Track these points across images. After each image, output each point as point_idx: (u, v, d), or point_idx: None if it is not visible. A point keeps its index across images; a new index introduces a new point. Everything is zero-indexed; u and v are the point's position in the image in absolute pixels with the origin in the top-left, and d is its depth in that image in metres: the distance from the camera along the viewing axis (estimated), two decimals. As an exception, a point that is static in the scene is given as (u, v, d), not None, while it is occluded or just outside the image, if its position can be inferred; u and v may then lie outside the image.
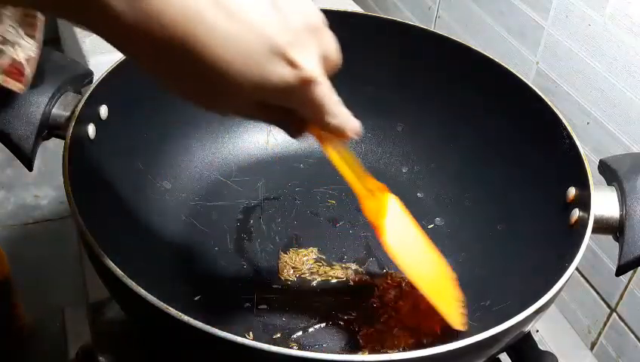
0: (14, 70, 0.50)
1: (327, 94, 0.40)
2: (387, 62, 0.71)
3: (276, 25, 0.35)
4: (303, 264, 0.62)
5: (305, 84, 0.38)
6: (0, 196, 0.74)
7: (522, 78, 0.63)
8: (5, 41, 0.49)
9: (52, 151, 0.67)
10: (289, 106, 0.40)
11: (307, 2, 0.38)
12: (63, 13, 0.34)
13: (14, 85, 0.51)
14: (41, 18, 0.51)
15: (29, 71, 0.52)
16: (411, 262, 0.53)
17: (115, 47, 0.35)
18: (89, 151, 0.55)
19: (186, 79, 0.36)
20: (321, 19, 0.39)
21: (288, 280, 0.61)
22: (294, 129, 0.44)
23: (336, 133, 0.42)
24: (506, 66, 0.64)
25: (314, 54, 0.38)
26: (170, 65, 0.35)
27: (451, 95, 0.69)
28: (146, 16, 0.32)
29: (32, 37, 0.51)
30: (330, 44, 0.39)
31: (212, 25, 0.33)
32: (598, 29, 0.66)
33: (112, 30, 0.34)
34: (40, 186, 0.75)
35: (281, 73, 0.36)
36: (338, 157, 0.48)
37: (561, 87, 0.72)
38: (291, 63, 0.36)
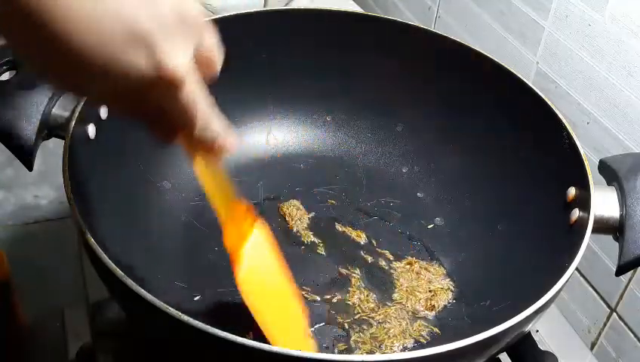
0: None
1: (195, 98, 0.36)
2: (387, 62, 0.71)
3: (143, 10, 0.32)
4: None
5: (167, 81, 0.34)
6: (0, 196, 0.74)
7: (522, 78, 0.63)
8: None
9: (52, 151, 0.67)
10: (155, 105, 0.36)
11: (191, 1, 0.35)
12: None
13: None
14: None
15: None
16: (261, 298, 0.49)
17: None
18: (89, 151, 0.55)
19: (45, 58, 0.33)
20: (200, 18, 0.35)
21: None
22: (161, 133, 0.39)
23: (206, 147, 0.39)
24: (506, 66, 0.64)
25: (182, 50, 0.34)
26: (28, 41, 0.33)
27: (451, 95, 0.69)
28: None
29: None
30: (209, 44, 0.36)
31: (73, 3, 0.31)
32: (598, 29, 0.66)
33: None
34: (40, 186, 0.75)
35: (139, 62, 0.33)
36: (207, 175, 0.43)
37: (561, 87, 0.72)
38: (152, 54, 0.33)
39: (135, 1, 0.32)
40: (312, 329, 0.57)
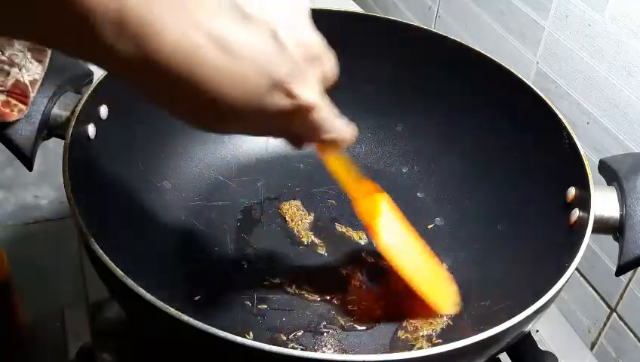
0: (17, 91, 0.52)
1: (324, 116, 0.41)
2: (387, 62, 0.71)
3: (275, 59, 0.36)
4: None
5: (304, 111, 0.39)
6: (0, 196, 0.74)
7: (522, 78, 0.63)
8: (13, 64, 0.51)
9: (52, 151, 0.67)
10: (290, 128, 0.41)
11: (308, 31, 0.38)
12: (65, 48, 0.34)
13: (16, 106, 0.52)
14: None
15: (32, 93, 0.53)
16: (405, 262, 0.54)
17: (117, 80, 0.36)
18: (89, 151, 0.55)
19: (190, 109, 0.37)
20: (321, 46, 0.39)
21: (289, 279, 0.61)
22: (296, 142, 0.45)
23: (334, 145, 0.44)
24: (506, 66, 0.64)
25: (313, 83, 0.39)
26: (172, 98, 0.36)
27: (451, 95, 0.69)
28: (144, 56, 0.32)
29: (39, 61, 0.53)
30: (330, 67, 0.40)
31: (210, 62, 0.33)
32: (598, 28, 0.66)
33: (115, 67, 0.34)
34: (40, 186, 0.75)
35: (280, 104, 0.37)
36: (333, 161, 0.49)
37: (561, 87, 0.72)
38: (290, 95, 0.37)
39: (268, 49, 0.35)
40: (312, 329, 0.57)
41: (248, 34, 0.35)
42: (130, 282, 0.42)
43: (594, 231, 0.50)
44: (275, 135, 0.43)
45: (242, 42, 0.34)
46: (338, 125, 0.43)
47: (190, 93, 0.34)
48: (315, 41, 0.39)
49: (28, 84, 0.52)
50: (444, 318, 0.57)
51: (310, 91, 0.38)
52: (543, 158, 0.60)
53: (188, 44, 0.33)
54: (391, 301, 0.59)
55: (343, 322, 0.57)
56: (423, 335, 0.56)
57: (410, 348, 0.54)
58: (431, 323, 0.56)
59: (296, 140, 0.44)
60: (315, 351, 0.55)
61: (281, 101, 0.37)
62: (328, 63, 0.40)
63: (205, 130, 0.40)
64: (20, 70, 0.52)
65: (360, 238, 0.65)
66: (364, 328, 0.57)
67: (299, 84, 0.37)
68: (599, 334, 0.72)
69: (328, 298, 0.60)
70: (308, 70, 0.38)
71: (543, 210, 0.58)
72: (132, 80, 0.35)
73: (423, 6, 0.97)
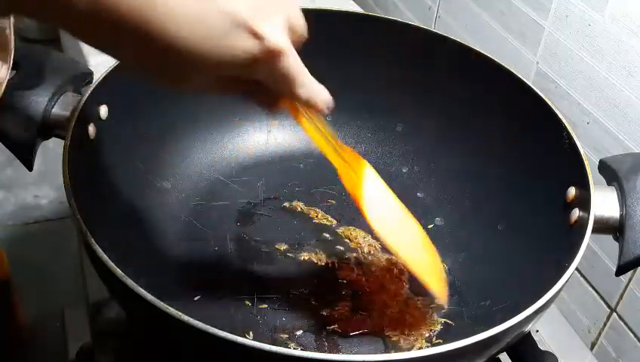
0: None
1: (293, 65, 0.39)
2: (387, 62, 0.71)
3: None
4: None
5: (271, 56, 0.37)
6: (0, 196, 0.74)
7: (522, 78, 0.63)
8: None
9: (52, 151, 0.67)
10: (257, 79, 0.39)
11: None
12: (20, 10, 0.34)
13: None
14: (11, 42, 0.51)
15: None
16: (391, 230, 0.53)
17: (74, 36, 0.35)
18: (89, 151, 0.55)
19: (150, 60, 0.36)
20: None
21: (289, 279, 0.61)
22: (266, 102, 0.43)
23: (308, 105, 0.42)
24: (506, 66, 0.64)
25: (279, 25, 0.37)
26: (132, 48, 0.35)
27: (451, 95, 0.69)
28: (103, 7, 0.32)
29: (3, 61, 0.52)
30: (297, 15, 0.39)
31: (170, 4, 0.33)
32: (598, 28, 0.66)
33: (73, 24, 0.34)
34: (40, 186, 0.75)
35: (246, 46, 0.36)
36: (313, 130, 0.48)
37: (561, 87, 0.72)
38: (255, 35, 0.36)
39: None
40: (312, 329, 0.57)
41: None
42: (130, 282, 0.42)
43: (594, 231, 0.50)
44: (245, 91, 0.41)
45: None
46: (310, 81, 0.41)
47: (150, 40, 0.33)
48: None
49: None
50: (442, 319, 0.57)
51: (276, 32, 0.37)
52: (543, 158, 0.60)
53: None
54: (381, 308, 0.59)
55: (342, 322, 0.57)
56: (418, 338, 0.56)
57: (410, 348, 0.54)
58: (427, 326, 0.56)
59: (266, 98, 0.43)
60: (315, 351, 0.55)
61: (246, 42, 0.36)
62: (295, 10, 0.39)
63: (171, 85, 0.38)
64: None
65: (362, 239, 0.65)
66: (362, 331, 0.57)
67: (264, 23, 0.36)
68: (599, 334, 0.72)
69: (328, 298, 0.60)
70: (273, 11, 0.37)
71: (543, 210, 0.58)
72: (91, 37, 0.35)
73: (423, 6, 0.97)
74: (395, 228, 0.53)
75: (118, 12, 0.32)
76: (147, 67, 0.37)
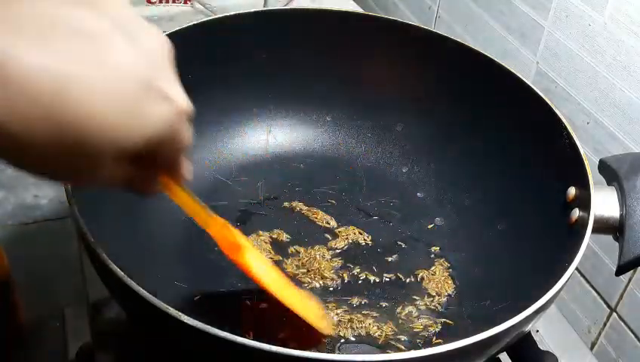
0: None
1: (188, 126, 0.36)
2: (387, 62, 0.71)
3: (141, 60, 0.32)
4: (303, 265, 0.62)
5: (181, 117, 0.34)
6: (0, 196, 0.74)
7: (522, 78, 0.63)
8: None
9: (52, 151, 0.67)
10: (156, 151, 0.35)
11: (150, 25, 0.34)
12: None
13: None
14: None
15: None
16: (278, 289, 0.51)
17: None
18: (89, 151, 0.55)
19: (60, 150, 0.31)
20: (168, 42, 0.35)
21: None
22: (146, 184, 0.40)
23: (177, 174, 0.40)
24: (506, 66, 0.64)
25: (178, 83, 0.34)
26: (40, 140, 0.30)
27: (451, 95, 0.69)
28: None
29: None
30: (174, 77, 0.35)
31: (82, 79, 0.29)
32: (598, 29, 0.66)
33: None
34: (40, 186, 0.75)
35: (161, 111, 0.33)
36: (190, 200, 0.45)
37: (561, 87, 0.72)
38: (166, 98, 0.33)
39: (129, 52, 0.31)
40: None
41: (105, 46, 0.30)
42: (130, 282, 0.42)
43: (594, 231, 0.50)
44: (130, 176, 0.36)
45: (100, 48, 0.30)
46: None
47: (62, 127, 0.29)
48: (163, 35, 0.35)
49: None
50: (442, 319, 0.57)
51: (181, 92, 0.34)
52: (543, 158, 0.60)
53: (53, 69, 0.29)
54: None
55: (344, 322, 0.57)
56: (403, 339, 0.56)
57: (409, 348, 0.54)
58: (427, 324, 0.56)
59: (146, 181, 0.39)
60: (315, 351, 0.55)
61: (161, 107, 0.33)
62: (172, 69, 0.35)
63: (78, 181, 0.35)
64: None
65: (363, 239, 0.65)
66: (360, 333, 0.57)
67: (170, 84, 0.33)
68: (599, 334, 0.72)
69: (328, 299, 0.60)
70: (170, 69, 0.34)
71: (543, 209, 0.58)
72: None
73: (423, 6, 0.97)
74: (282, 289, 0.52)
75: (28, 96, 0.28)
76: (53, 163, 0.32)
